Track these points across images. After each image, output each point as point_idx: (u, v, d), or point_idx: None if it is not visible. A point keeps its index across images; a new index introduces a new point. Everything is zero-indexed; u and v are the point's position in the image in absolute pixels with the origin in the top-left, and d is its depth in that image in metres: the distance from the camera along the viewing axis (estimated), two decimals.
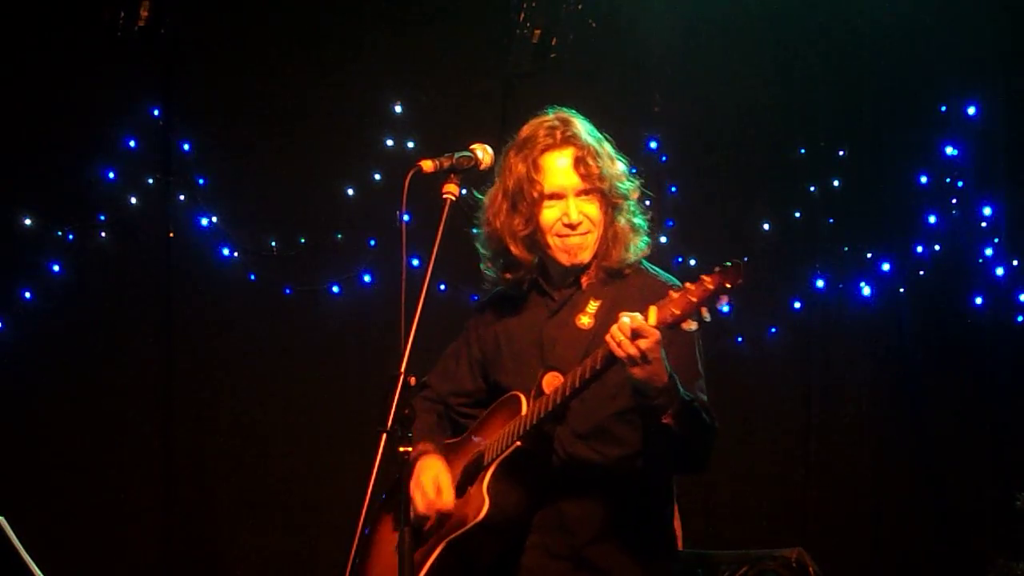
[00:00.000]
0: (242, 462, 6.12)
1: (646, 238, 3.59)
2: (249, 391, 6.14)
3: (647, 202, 3.68)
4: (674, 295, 3.11)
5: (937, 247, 6.16)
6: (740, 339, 6.18)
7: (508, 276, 3.64)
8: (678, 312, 3.09)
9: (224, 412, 6.13)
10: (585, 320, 3.51)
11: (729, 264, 3.07)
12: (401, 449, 2.98)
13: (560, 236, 3.53)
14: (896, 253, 6.19)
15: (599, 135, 3.60)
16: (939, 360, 6.22)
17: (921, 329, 6.22)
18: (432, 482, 3.50)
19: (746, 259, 3.09)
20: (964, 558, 6.08)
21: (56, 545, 5.47)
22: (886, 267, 6.20)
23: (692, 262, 5.92)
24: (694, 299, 3.08)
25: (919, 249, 6.17)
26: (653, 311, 3.11)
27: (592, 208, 3.52)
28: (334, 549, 5.83)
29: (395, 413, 2.96)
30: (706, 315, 3.09)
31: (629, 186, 3.58)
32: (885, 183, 6.20)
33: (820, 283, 6.23)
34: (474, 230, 3.69)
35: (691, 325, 3.11)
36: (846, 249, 6.24)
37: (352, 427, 5.84)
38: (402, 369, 3.00)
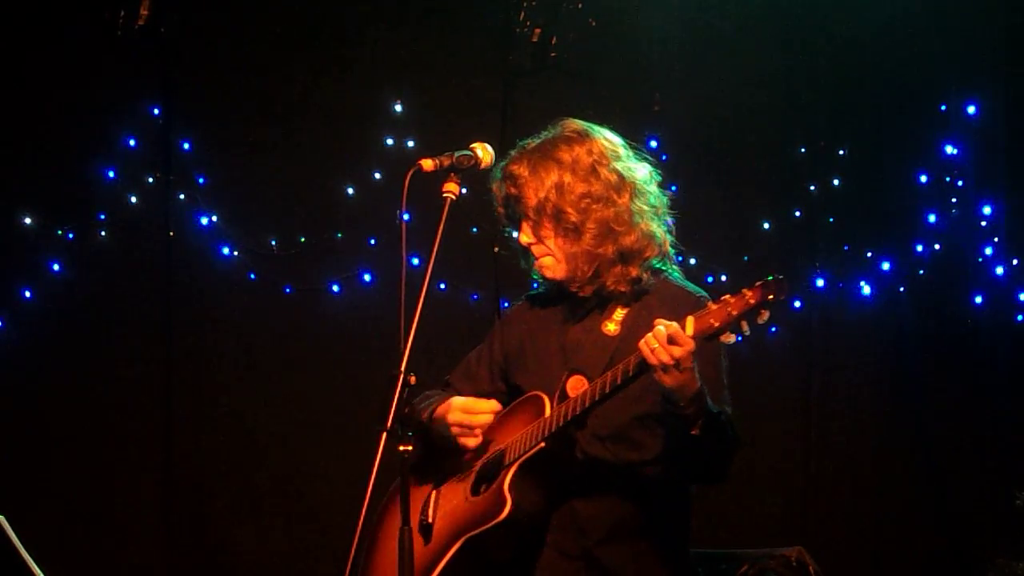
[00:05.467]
0: (242, 461, 6.12)
1: (652, 256, 3.50)
2: (249, 390, 6.14)
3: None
4: (713, 307, 3.08)
5: (937, 246, 6.16)
6: (740, 338, 6.16)
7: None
8: (716, 324, 3.07)
9: (224, 411, 6.13)
10: (611, 327, 3.48)
11: (771, 278, 3.02)
12: (401, 448, 2.97)
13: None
14: (896, 252, 6.19)
15: (572, 157, 3.44)
16: (939, 359, 6.21)
17: (921, 328, 6.22)
18: (461, 408, 3.49)
19: (782, 276, 3.02)
20: (964, 558, 6.08)
21: (56, 545, 5.47)
22: (886, 266, 6.20)
23: (692, 261, 5.90)
24: (734, 312, 3.06)
25: (919, 248, 6.17)
26: (690, 321, 3.08)
27: (529, 235, 3.48)
28: (334, 549, 5.83)
29: (395, 412, 2.96)
30: (745, 329, 3.06)
31: (600, 206, 3.42)
32: (885, 182, 6.20)
33: (820, 282, 6.22)
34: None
35: (730, 338, 3.08)
36: (846, 248, 6.24)
37: (352, 427, 5.84)
38: (402, 368, 2.99)
